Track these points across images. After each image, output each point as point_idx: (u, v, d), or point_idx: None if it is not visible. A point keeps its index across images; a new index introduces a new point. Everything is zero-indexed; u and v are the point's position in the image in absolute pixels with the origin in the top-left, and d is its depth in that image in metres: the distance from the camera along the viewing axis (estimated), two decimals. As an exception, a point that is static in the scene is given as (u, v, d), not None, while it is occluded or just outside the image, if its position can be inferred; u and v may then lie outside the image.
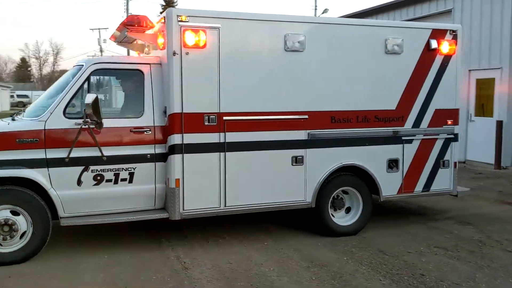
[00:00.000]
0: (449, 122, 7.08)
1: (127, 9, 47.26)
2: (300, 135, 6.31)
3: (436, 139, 7.04)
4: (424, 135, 6.97)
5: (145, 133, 5.84)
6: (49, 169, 5.49)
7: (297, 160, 6.31)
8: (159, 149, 5.88)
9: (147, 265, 5.48)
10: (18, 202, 5.39)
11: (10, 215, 5.37)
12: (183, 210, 5.86)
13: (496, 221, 7.47)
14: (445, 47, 6.92)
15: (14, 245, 5.41)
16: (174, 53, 5.64)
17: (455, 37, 7.01)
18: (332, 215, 6.66)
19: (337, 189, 6.63)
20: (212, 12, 5.87)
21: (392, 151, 6.80)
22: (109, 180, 5.73)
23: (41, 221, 5.45)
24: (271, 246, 6.21)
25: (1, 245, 5.38)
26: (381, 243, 6.32)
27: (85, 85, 5.70)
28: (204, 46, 5.75)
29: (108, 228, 6.45)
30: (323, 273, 5.30)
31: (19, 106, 58.18)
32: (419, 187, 7.00)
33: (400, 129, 6.81)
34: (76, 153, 5.56)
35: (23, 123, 5.64)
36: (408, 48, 6.74)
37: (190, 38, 5.68)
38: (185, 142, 5.79)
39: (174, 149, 5.77)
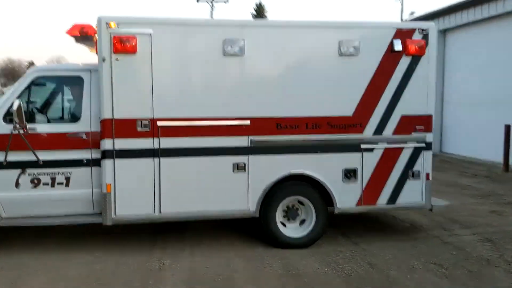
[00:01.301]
0: (419, 129, 6.45)
1: (211, 16, 48.20)
2: (242, 141, 6.09)
3: (403, 147, 6.45)
4: (388, 143, 6.41)
5: (81, 138, 5.97)
6: None
7: (239, 167, 6.10)
8: (95, 154, 5.97)
9: (129, 263, 5.73)
10: None
11: None
12: (115, 215, 5.90)
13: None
14: (412, 47, 6.32)
15: None
16: (104, 59, 5.72)
17: (425, 37, 6.38)
18: (284, 226, 6.37)
19: (286, 199, 6.32)
20: (143, 18, 5.89)
21: (349, 160, 6.34)
22: (46, 184, 5.93)
23: None
24: (260, 253, 6.13)
25: None
26: (377, 256, 6.04)
27: (26, 92, 5.96)
28: (135, 52, 5.77)
29: (107, 229, 6.54)
30: (292, 283, 5.23)
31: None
32: (383, 199, 6.45)
33: (357, 136, 6.33)
34: (14, 156, 5.83)
35: None
36: (366, 50, 6.25)
37: (119, 44, 5.72)
38: (116, 147, 5.83)
39: (105, 154, 5.84)
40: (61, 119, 6.35)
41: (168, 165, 5.97)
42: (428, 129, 6.49)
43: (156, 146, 5.92)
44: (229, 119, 6.05)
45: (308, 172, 6.24)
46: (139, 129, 5.86)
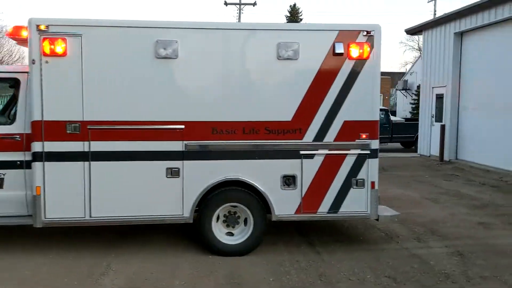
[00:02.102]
0: (363, 135, 6.20)
1: (239, 19, 48.05)
2: (176, 146, 5.98)
3: (346, 154, 6.21)
4: (329, 150, 6.19)
5: (16, 140, 5.97)
6: None
7: (173, 173, 5.99)
8: (28, 156, 5.97)
9: (77, 267, 5.76)
10: None
11: None
12: (45, 218, 5.87)
13: (503, 256, 6.41)
14: (355, 51, 6.08)
15: None
16: (33, 61, 5.70)
17: (370, 39, 6.13)
18: (227, 233, 6.26)
19: (223, 205, 6.17)
20: (74, 20, 5.83)
21: (287, 166, 6.14)
22: None
23: None
24: (212, 260, 6.04)
25: None
26: (332, 267, 5.86)
27: None
28: (65, 54, 5.73)
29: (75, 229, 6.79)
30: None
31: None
32: (324, 208, 6.22)
33: (297, 142, 6.13)
34: None
35: None
36: (306, 53, 6.04)
37: (49, 46, 5.69)
38: (46, 150, 5.81)
39: (35, 157, 5.82)
40: None
41: (99, 169, 5.90)
42: (373, 136, 6.23)
43: (86, 149, 5.86)
44: (162, 123, 5.95)
45: (244, 178, 6.07)
46: (68, 131, 5.82)
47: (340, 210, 6.24)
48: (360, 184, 6.23)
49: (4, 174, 5.98)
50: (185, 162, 6.00)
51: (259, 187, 6.09)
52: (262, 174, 6.10)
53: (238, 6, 42.95)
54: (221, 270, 5.72)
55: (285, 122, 6.09)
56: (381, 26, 6.21)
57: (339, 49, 6.04)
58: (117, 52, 5.86)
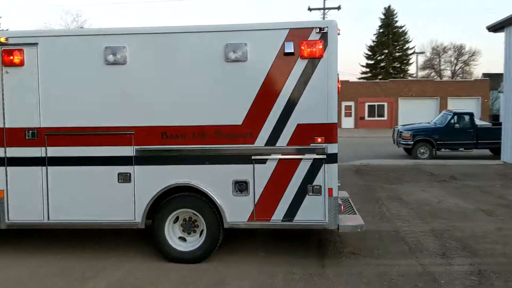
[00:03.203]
0: (319, 139, 5.81)
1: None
2: (127, 151, 6.03)
3: (301, 159, 5.87)
4: (282, 155, 5.88)
5: None
6: None
7: (124, 178, 6.04)
8: None
9: (71, 269, 6.01)
10: None
11: None
12: (8, 220, 6.19)
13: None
14: (307, 49, 5.74)
15: None
16: None
17: (324, 36, 5.75)
18: (183, 239, 6.21)
19: (175, 211, 6.10)
20: (29, 31, 6.15)
21: (239, 172, 5.93)
22: None
23: None
24: (204, 268, 5.98)
25: None
26: (325, 282, 5.57)
27: None
28: (23, 64, 6.02)
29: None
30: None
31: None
32: (278, 215, 5.92)
33: (248, 147, 5.90)
34: None
35: None
36: (255, 54, 5.81)
37: (7, 57, 6.02)
38: (8, 155, 6.13)
39: (-1, 162, 6.17)
40: None
41: (56, 173, 6.11)
42: (331, 139, 5.83)
43: (44, 155, 6.09)
44: (113, 129, 6.03)
45: (194, 183, 5.96)
46: (27, 138, 6.09)
47: (296, 218, 5.90)
48: (317, 191, 5.85)
49: None
50: (136, 167, 6.02)
51: (209, 193, 5.94)
52: (213, 180, 5.95)
53: (322, 11, 42.57)
54: (207, 279, 5.64)
55: (236, 126, 5.90)
56: (336, 22, 5.81)
57: (289, 48, 5.75)
58: (69, 60, 6.04)
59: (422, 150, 18.62)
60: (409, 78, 54.73)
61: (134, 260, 6.27)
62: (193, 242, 6.16)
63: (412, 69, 58.51)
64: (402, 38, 58.69)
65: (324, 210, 5.85)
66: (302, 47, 5.74)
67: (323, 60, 5.76)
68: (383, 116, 45.57)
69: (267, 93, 5.84)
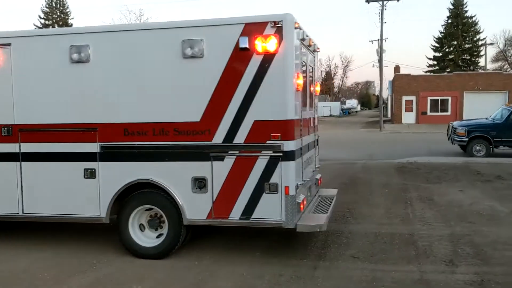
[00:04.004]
0: (275, 136, 5.68)
1: (382, 16, 46.05)
2: (92, 147, 6.18)
3: (257, 157, 5.75)
4: (239, 152, 5.80)
5: None
6: None
7: (90, 173, 6.20)
8: None
9: (68, 264, 6.19)
10: None
11: None
12: (-11, 212, 6.55)
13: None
14: (261, 44, 5.60)
15: None
16: None
17: (279, 31, 5.58)
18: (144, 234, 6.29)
19: (138, 207, 6.19)
20: (4, 32, 6.39)
21: (198, 168, 5.91)
22: None
23: None
24: (191, 266, 6.02)
25: None
26: (311, 285, 5.47)
27: None
28: (-3, 63, 6.33)
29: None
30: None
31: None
32: (236, 213, 5.85)
33: (205, 143, 5.87)
34: None
35: None
36: (211, 50, 5.76)
37: (-15, 57, 6.34)
38: (-14, 151, 6.47)
39: (-22, 157, 6.52)
40: None
41: (28, 168, 6.38)
42: (287, 136, 5.67)
43: (17, 150, 6.38)
44: (79, 126, 6.20)
45: (155, 179, 6.02)
46: (3, 134, 6.40)
47: (253, 216, 5.81)
48: (273, 189, 5.72)
49: None
50: (101, 163, 6.17)
51: (169, 189, 5.98)
52: (173, 176, 5.98)
53: (380, 2, 41.30)
54: (191, 278, 5.64)
55: (194, 123, 5.89)
56: (292, 15, 5.63)
57: (244, 43, 5.64)
58: (39, 59, 6.27)
59: (478, 148, 17.22)
60: (480, 70, 51.86)
61: (126, 256, 6.28)
62: (156, 238, 6.22)
63: (483, 62, 55.64)
64: (472, 29, 56.10)
65: (281, 208, 5.72)
66: (256, 42, 5.61)
67: (278, 55, 5.60)
68: (446, 111, 43.54)
69: (224, 90, 5.78)
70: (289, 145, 5.68)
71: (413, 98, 44.56)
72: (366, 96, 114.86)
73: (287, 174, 5.70)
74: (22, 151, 6.37)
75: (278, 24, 5.58)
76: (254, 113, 5.72)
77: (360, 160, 16.45)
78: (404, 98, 44.66)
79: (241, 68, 5.72)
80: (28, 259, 6.37)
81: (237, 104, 5.76)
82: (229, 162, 5.84)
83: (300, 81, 5.89)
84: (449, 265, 5.95)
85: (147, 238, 6.26)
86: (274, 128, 5.68)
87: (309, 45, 6.69)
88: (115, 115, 6.10)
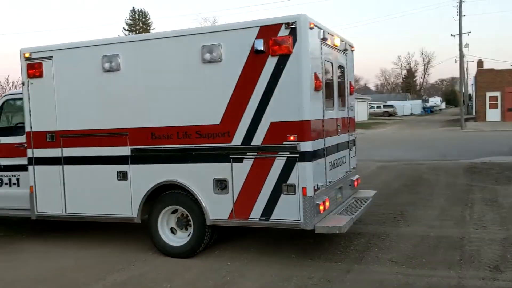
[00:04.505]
0: (291, 137, 5.68)
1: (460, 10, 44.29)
2: (124, 151, 6.54)
3: (275, 158, 5.79)
4: (258, 153, 5.86)
5: (23, 148, 7.38)
6: None
7: (122, 176, 6.56)
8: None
9: (100, 264, 6.50)
10: None
11: None
12: (37, 212, 7.12)
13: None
14: (276, 46, 5.64)
15: None
16: (23, 84, 7.01)
17: (293, 32, 5.59)
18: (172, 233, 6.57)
19: (166, 207, 6.45)
20: (46, 46, 6.93)
21: (219, 170, 6.06)
22: (6, 184, 7.58)
23: None
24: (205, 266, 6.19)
25: None
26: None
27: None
28: (42, 75, 6.88)
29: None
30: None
31: (384, 116, 64.57)
32: (256, 214, 5.92)
33: (225, 145, 6.00)
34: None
35: None
36: (229, 54, 5.89)
37: (31, 70, 6.93)
38: (35, 155, 7.05)
39: (29, 161, 7.11)
40: (15, 132, 7.87)
41: (70, 172, 6.87)
42: (303, 137, 5.65)
43: (60, 155, 6.89)
44: (112, 131, 6.59)
45: (180, 181, 6.24)
46: (48, 140, 6.94)
47: (272, 217, 5.85)
48: (291, 190, 5.73)
49: (19, 175, 7.45)
50: (132, 166, 6.50)
51: (193, 190, 6.17)
52: (196, 178, 6.17)
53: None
54: (219, 278, 5.72)
55: (214, 126, 6.04)
56: (306, 16, 5.62)
57: (259, 46, 5.71)
58: (76, 69, 6.75)
59: None
60: None
61: (164, 256, 6.49)
62: (183, 238, 6.45)
63: None
64: None
65: (299, 209, 5.70)
66: (272, 44, 5.67)
67: (293, 56, 5.62)
68: (535, 106, 40.72)
69: (241, 92, 5.88)
70: (305, 146, 5.66)
71: (497, 94, 41.93)
72: (451, 93, 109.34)
73: (304, 175, 5.68)
74: (64, 155, 6.87)
75: (292, 25, 5.60)
76: (271, 114, 5.77)
77: (430, 160, 15.85)
78: (488, 94, 42.09)
79: (258, 70, 5.79)
80: (76, 255, 6.82)
81: (254, 105, 5.84)
82: (248, 163, 5.92)
83: (320, 81, 5.85)
84: (492, 271, 5.59)
85: (174, 237, 6.51)
86: (290, 129, 5.69)
87: (334, 44, 6.61)
88: (143, 120, 6.40)
